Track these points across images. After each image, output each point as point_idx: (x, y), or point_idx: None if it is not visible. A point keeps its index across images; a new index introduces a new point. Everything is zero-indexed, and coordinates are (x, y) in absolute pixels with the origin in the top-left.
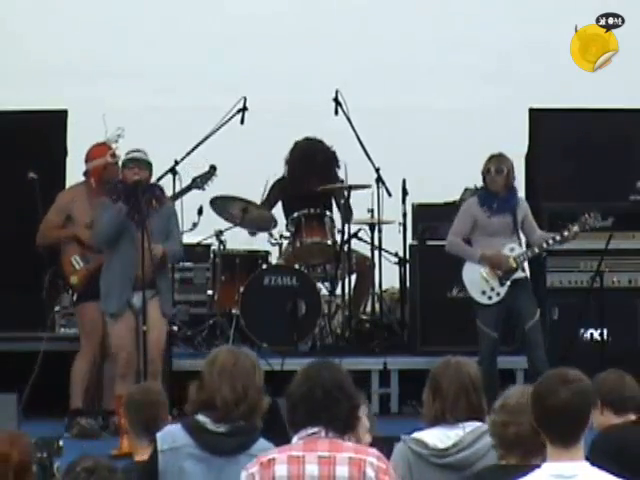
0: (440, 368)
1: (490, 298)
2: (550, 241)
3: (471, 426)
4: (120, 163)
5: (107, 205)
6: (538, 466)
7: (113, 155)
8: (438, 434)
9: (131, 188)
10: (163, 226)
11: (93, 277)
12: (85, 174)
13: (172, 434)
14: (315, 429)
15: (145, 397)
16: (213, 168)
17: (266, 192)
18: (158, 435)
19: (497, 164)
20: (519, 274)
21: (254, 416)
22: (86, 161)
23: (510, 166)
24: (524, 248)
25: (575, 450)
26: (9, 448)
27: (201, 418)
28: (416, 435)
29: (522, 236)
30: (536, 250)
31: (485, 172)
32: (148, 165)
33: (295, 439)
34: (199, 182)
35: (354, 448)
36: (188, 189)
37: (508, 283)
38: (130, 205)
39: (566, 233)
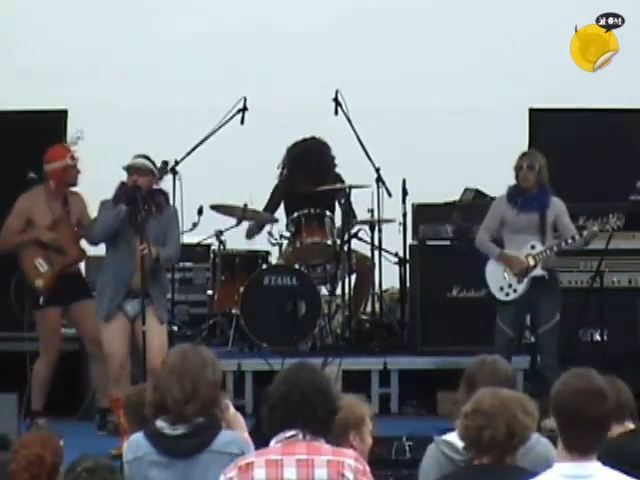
0: (476, 366)
1: (507, 295)
2: (569, 240)
3: None
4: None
5: (108, 205)
6: (526, 468)
7: (72, 157)
8: None
9: (131, 192)
10: (162, 232)
11: (58, 280)
12: (44, 176)
13: (136, 443)
14: (293, 432)
15: (141, 398)
16: (165, 163)
17: (268, 197)
18: (125, 445)
19: (529, 160)
20: (538, 272)
21: (210, 411)
22: (45, 163)
23: (542, 164)
24: (546, 245)
25: (591, 455)
26: (42, 450)
27: (159, 423)
28: (448, 438)
29: (549, 235)
30: (555, 248)
31: (517, 168)
32: (149, 171)
33: (273, 442)
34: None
35: (332, 451)
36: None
37: (526, 281)
38: (130, 209)
39: (585, 233)
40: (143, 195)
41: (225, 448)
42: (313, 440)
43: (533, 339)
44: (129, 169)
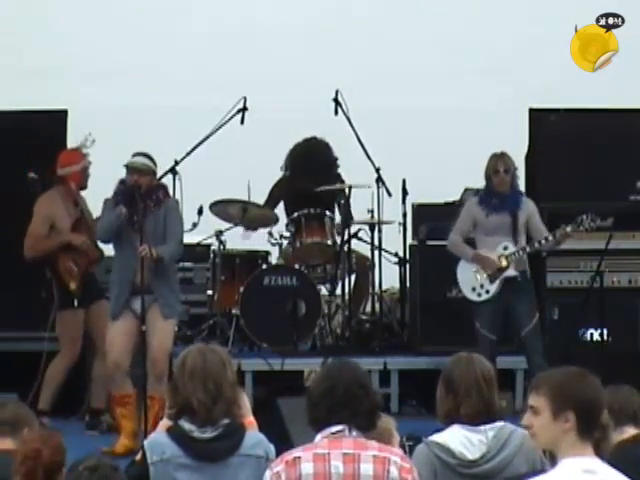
0: (452, 364)
1: (479, 295)
2: (543, 241)
3: (493, 429)
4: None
5: (109, 204)
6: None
7: (89, 160)
8: (461, 439)
9: (130, 192)
10: (160, 225)
11: (83, 281)
12: (59, 180)
13: (160, 445)
14: (339, 427)
15: None
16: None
17: (268, 193)
18: (146, 445)
19: (505, 165)
20: (510, 272)
21: (233, 411)
22: (62, 166)
23: (514, 165)
24: (518, 247)
25: (590, 446)
26: (40, 445)
27: (186, 425)
28: (438, 439)
29: (522, 236)
30: (528, 249)
31: (492, 172)
32: (150, 171)
33: (319, 437)
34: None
35: (378, 447)
36: None
37: (498, 281)
38: (130, 209)
39: (558, 233)
40: (141, 193)
41: (252, 451)
42: (359, 436)
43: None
44: (129, 168)
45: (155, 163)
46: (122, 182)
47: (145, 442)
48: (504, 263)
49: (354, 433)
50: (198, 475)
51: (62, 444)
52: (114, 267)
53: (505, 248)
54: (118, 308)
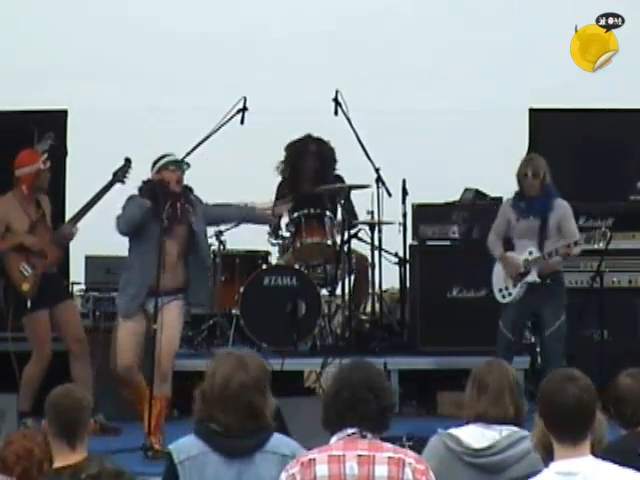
0: (484, 367)
1: (504, 297)
2: (559, 249)
3: (508, 430)
4: (158, 165)
5: (135, 198)
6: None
7: (45, 162)
8: (474, 433)
9: (168, 192)
10: (201, 233)
11: (42, 282)
12: (16, 181)
13: (187, 445)
14: (354, 429)
15: (67, 400)
16: (128, 161)
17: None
18: (171, 448)
19: (534, 168)
20: (531, 278)
21: (263, 422)
22: (16, 168)
23: (545, 168)
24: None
25: (582, 447)
26: (30, 444)
27: (213, 426)
28: (452, 431)
29: (551, 240)
30: (546, 257)
31: (521, 176)
32: (183, 168)
33: (334, 439)
34: (120, 176)
35: (393, 449)
36: (111, 185)
37: (519, 285)
38: (155, 205)
39: (569, 243)
40: (179, 199)
41: (278, 449)
42: (374, 438)
43: (533, 339)
44: (170, 164)
45: None
46: (152, 182)
47: (170, 446)
48: (522, 269)
49: (368, 435)
50: (225, 470)
51: (44, 441)
52: (133, 265)
53: (530, 253)
54: (133, 307)
